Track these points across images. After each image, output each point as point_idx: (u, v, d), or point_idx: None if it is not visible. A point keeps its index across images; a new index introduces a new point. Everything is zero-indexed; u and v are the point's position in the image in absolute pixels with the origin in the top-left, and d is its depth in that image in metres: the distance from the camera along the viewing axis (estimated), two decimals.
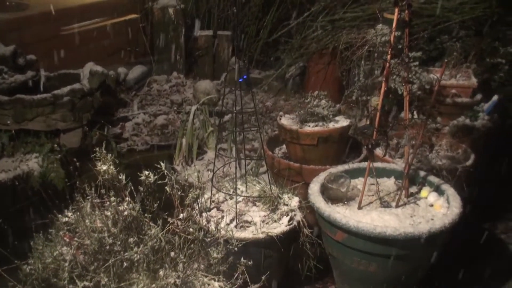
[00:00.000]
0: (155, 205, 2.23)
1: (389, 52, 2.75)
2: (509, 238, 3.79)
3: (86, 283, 2.00)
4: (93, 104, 4.53)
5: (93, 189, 2.25)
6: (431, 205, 2.97)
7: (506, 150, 4.11)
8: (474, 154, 3.51)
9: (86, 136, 4.47)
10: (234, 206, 2.92)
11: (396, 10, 2.66)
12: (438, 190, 3.06)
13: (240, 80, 2.94)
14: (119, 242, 2.06)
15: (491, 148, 3.89)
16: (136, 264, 2.04)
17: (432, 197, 3.02)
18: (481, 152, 3.63)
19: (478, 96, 3.92)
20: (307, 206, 2.98)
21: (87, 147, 4.30)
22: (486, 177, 3.77)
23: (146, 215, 2.22)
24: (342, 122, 3.56)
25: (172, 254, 2.14)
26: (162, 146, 4.84)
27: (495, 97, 3.94)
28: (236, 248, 2.33)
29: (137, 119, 5.20)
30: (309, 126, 3.52)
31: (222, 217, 2.90)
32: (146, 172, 2.19)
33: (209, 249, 2.25)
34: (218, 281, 2.20)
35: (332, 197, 3.00)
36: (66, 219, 2.19)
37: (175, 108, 5.44)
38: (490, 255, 3.58)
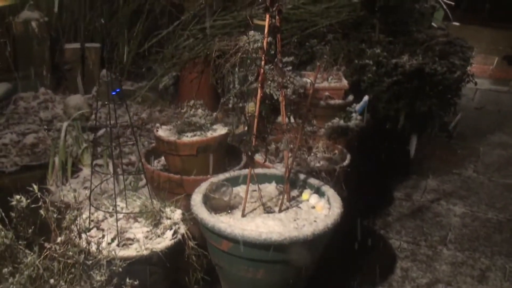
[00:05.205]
0: (30, 230, 2.08)
1: (263, 58, 2.75)
2: (387, 233, 3.93)
3: None
4: None
5: None
6: (313, 207, 3.02)
7: (378, 147, 4.28)
8: (350, 154, 3.61)
9: None
10: (115, 224, 2.81)
11: (267, 16, 2.68)
12: (318, 191, 3.11)
13: (113, 93, 2.83)
14: None
15: (365, 146, 4.02)
16: None
17: (313, 199, 3.07)
18: (356, 151, 3.74)
19: (350, 97, 4.05)
20: (190, 218, 2.92)
21: None
22: (363, 175, 3.89)
23: (20, 242, 2.07)
24: (220, 130, 3.54)
25: (52, 281, 2.01)
26: (33, 167, 4.57)
27: (365, 97, 4.09)
28: (120, 268, 2.23)
29: (4, 140, 4.91)
30: (187, 136, 3.46)
31: (103, 236, 2.78)
32: (18, 196, 2.04)
33: (91, 272, 2.13)
34: None
35: (215, 207, 2.96)
36: None
37: (45, 126, 5.19)
38: (371, 250, 3.70)
